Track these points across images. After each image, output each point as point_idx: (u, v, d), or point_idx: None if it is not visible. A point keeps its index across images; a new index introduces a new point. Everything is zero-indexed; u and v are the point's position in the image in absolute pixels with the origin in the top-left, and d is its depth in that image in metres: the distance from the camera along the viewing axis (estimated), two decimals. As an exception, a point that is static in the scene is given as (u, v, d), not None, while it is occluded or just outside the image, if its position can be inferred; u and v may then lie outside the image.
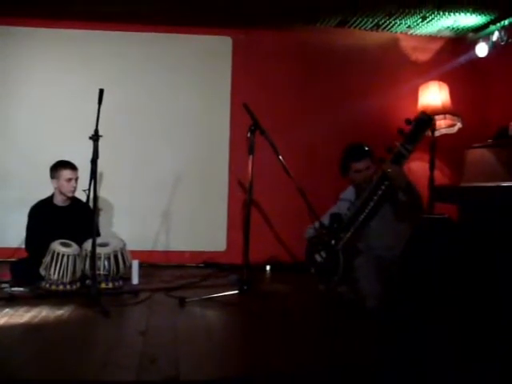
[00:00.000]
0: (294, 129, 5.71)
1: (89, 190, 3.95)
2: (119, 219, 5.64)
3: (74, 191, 4.60)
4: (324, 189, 5.12)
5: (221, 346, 3.13)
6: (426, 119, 3.62)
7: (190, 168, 5.73)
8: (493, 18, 5.25)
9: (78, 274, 4.28)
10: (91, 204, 4.03)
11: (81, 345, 3.03)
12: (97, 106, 3.87)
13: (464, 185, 4.43)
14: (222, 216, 5.77)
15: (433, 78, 5.65)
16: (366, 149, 4.06)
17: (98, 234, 4.55)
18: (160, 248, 5.65)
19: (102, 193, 5.44)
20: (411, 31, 5.73)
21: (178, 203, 5.68)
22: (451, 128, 5.56)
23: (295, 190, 4.10)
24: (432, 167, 5.45)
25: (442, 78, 5.63)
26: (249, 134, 4.19)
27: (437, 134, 5.50)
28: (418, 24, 5.47)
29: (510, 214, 3.95)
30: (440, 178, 5.68)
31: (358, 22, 5.46)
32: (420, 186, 4.01)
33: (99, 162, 3.92)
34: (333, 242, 3.93)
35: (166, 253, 5.65)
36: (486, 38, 5.52)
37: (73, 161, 4.62)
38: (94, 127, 3.89)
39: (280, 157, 4.17)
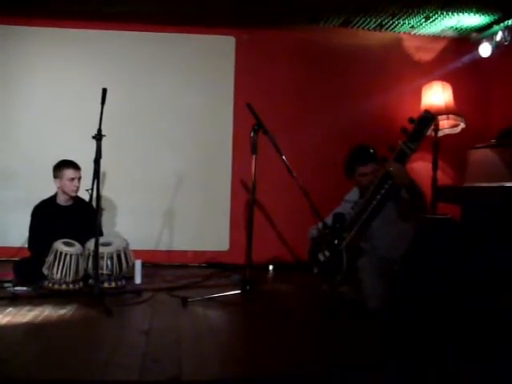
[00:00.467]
0: (297, 128, 5.71)
1: (92, 189, 3.95)
2: (122, 219, 5.65)
3: (76, 191, 4.60)
4: (327, 189, 5.10)
5: (223, 346, 3.13)
6: (430, 117, 3.62)
7: (192, 167, 5.73)
8: (496, 18, 5.24)
9: (81, 273, 4.28)
10: (94, 203, 4.04)
11: (83, 344, 3.03)
12: (100, 105, 3.88)
13: (467, 185, 4.42)
14: (225, 216, 5.77)
15: (436, 78, 5.65)
16: (372, 152, 4.05)
17: (101, 234, 4.55)
18: (163, 248, 5.65)
19: (105, 192, 5.43)
20: (414, 31, 5.72)
21: (181, 203, 5.69)
22: (454, 128, 5.56)
23: (298, 189, 4.10)
24: (435, 167, 5.45)
25: (445, 78, 5.63)
26: (252, 134, 4.19)
27: (440, 134, 5.49)
28: (421, 24, 5.47)
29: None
30: (443, 178, 5.67)
31: (362, 21, 5.45)
32: (423, 186, 4.00)
33: (102, 161, 3.92)
34: (336, 241, 3.92)
35: (169, 252, 5.65)
36: (490, 38, 5.52)
37: (76, 160, 4.62)
38: (96, 127, 3.89)
39: (283, 156, 4.17)
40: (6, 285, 4.22)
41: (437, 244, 4.04)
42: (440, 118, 5.39)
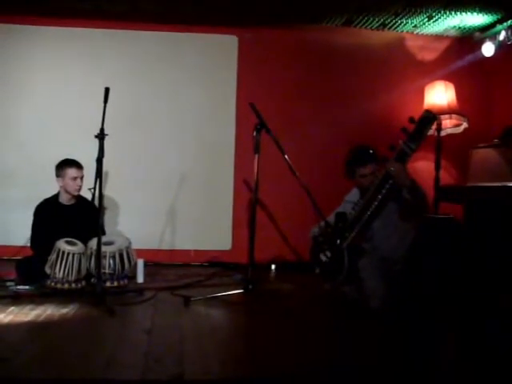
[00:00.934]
0: (299, 128, 5.71)
1: (94, 188, 3.96)
2: (124, 218, 5.65)
3: (79, 190, 4.60)
4: (330, 188, 5.09)
5: (226, 345, 3.13)
6: (430, 117, 3.61)
7: (195, 167, 5.73)
8: (499, 17, 5.23)
9: (83, 272, 4.28)
10: (96, 203, 4.05)
11: (86, 343, 3.03)
12: (102, 104, 3.88)
13: (469, 185, 4.42)
14: (227, 215, 5.77)
15: (439, 78, 5.65)
16: (371, 152, 4.02)
17: (104, 233, 4.55)
18: (165, 247, 5.65)
19: (108, 191, 5.44)
20: (417, 30, 5.72)
21: (184, 202, 5.69)
22: (457, 128, 5.55)
23: (301, 189, 4.10)
24: (437, 167, 5.44)
25: (448, 78, 5.63)
26: (255, 133, 4.19)
27: (442, 133, 5.49)
28: (424, 23, 5.46)
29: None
30: (445, 177, 5.67)
31: (364, 21, 5.45)
32: (425, 186, 4.00)
33: (105, 160, 3.92)
34: (338, 241, 3.92)
35: (171, 252, 5.65)
36: (493, 37, 5.51)
37: (78, 159, 4.62)
38: (99, 126, 3.89)
39: (286, 156, 4.17)
40: (8, 283, 4.22)
41: (439, 244, 4.03)
42: (443, 117, 5.38)
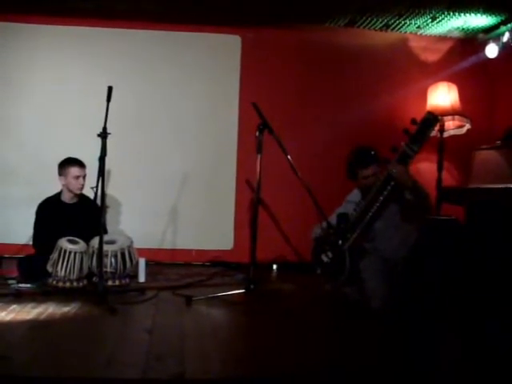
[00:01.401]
0: (302, 128, 5.71)
1: (96, 187, 3.96)
2: (126, 217, 5.66)
3: (81, 188, 4.60)
4: (332, 188, 5.09)
5: (227, 345, 3.13)
6: (432, 119, 3.61)
7: (197, 166, 5.74)
8: (503, 18, 5.22)
9: (85, 271, 4.29)
10: (99, 201, 4.05)
11: (87, 342, 3.04)
12: (105, 103, 3.88)
13: (472, 186, 4.42)
14: (229, 214, 5.77)
15: (442, 79, 5.64)
16: (373, 153, 3.99)
17: (106, 232, 4.56)
18: (167, 246, 5.65)
19: (110, 190, 5.44)
20: (421, 31, 5.71)
21: (186, 201, 5.69)
22: (460, 129, 5.55)
23: (303, 189, 4.10)
24: (440, 168, 5.43)
25: (451, 79, 5.61)
26: (257, 133, 4.19)
27: (445, 135, 5.48)
28: (427, 24, 5.45)
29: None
30: (448, 179, 5.65)
31: (367, 22, 5.44)
32: (428, 187, 3.98)
33: (107, 159, 3.92)
34: (340, 242, 3.92)
35: (173, 251, 5.65)
36: (497, 38, 5.49)
37: (81, 158, 4.62)
38: (102, 125, 3.89)
39: (288, 156, 4.17)
40: (10, 282, 4.24)
41: (440, 245, 4.03)
42: (445, 118, 5.37)
